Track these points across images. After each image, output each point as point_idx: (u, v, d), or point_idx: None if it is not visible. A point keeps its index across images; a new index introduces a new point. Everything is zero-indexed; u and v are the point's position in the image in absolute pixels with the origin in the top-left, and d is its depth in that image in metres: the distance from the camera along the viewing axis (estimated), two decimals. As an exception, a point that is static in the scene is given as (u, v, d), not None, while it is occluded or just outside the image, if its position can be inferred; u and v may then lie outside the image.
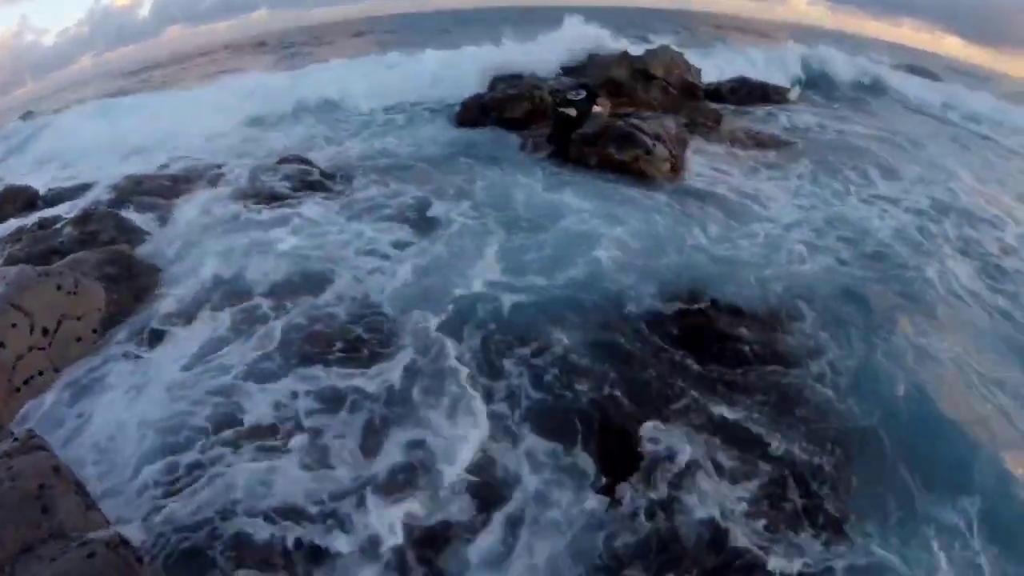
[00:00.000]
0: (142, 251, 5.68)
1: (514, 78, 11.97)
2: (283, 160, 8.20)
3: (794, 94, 14.26)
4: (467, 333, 4.56)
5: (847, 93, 16.51)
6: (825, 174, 8.74)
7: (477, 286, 5.14)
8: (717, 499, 3.33)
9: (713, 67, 14.58)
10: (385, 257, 5.66)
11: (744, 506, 3.33)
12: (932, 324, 5.13)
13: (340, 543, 2.99)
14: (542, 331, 4.57)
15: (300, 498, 3.19)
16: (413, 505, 3.19)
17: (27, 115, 15.61)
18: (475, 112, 10.90)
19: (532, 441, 3.65)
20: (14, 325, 3.97)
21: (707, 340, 4.63)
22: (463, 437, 3.60)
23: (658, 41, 13.01)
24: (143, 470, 3.34)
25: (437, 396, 3.90)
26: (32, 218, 7.13)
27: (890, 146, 11.22)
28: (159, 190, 7.12)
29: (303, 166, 8.06)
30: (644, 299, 5.04)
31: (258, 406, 3.79)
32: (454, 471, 3.39)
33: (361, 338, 4.48)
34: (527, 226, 6.32)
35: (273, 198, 6.87)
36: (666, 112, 10.35)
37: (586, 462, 3.53)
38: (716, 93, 13.21)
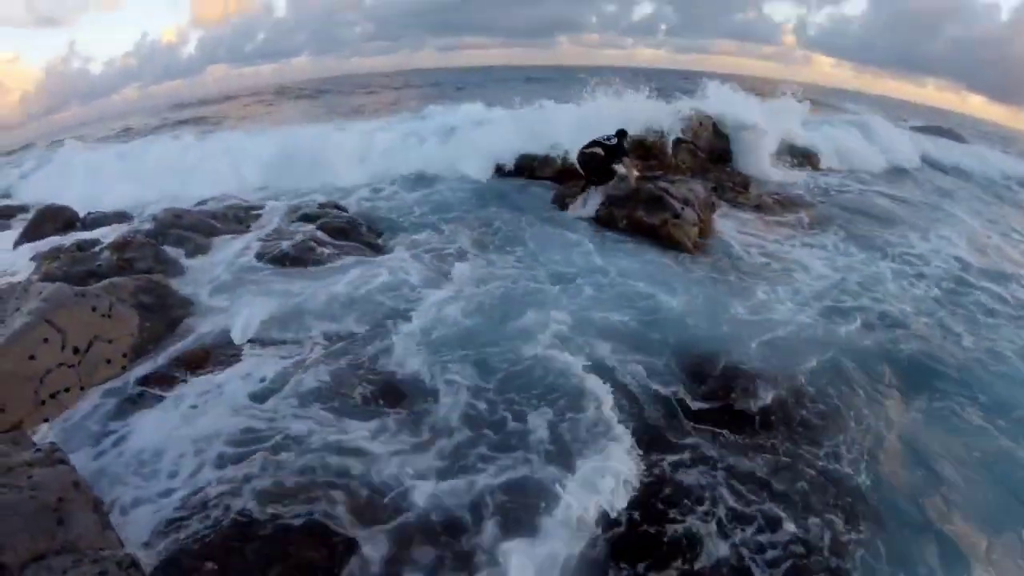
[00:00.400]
0: (177, 283, 5.75)
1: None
2: (323, 206, 8.42)
3: (824, 160, 14.36)
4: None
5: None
6: (855, 239, 8.75)
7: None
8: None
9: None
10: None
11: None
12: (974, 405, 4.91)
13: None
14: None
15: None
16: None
17: (70, 140, 15.85)
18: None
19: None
20: (46, 340, 4.02)
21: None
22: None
23: (686, 103, 13.22)
24: (159, 496, 3.28)
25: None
26: (71, 238, 7.35)
27: (920, 208, 11.32)
28: (199, 226, 7.26)
29: (340, 212, 8.30)
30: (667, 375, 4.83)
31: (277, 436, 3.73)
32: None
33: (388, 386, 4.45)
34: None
35: (310, 248, 6.82)
36: (694, 175, 10.49)
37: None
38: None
